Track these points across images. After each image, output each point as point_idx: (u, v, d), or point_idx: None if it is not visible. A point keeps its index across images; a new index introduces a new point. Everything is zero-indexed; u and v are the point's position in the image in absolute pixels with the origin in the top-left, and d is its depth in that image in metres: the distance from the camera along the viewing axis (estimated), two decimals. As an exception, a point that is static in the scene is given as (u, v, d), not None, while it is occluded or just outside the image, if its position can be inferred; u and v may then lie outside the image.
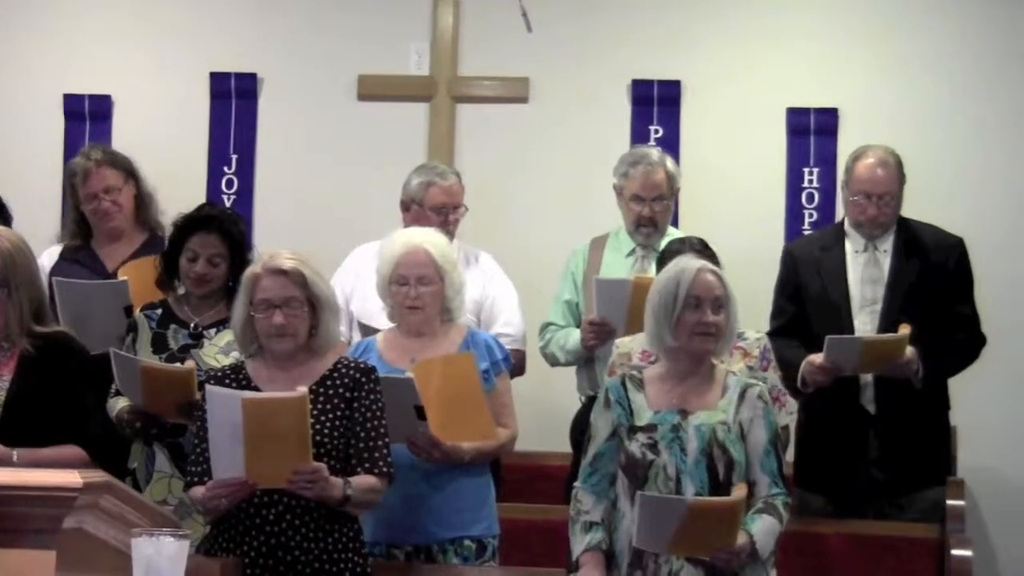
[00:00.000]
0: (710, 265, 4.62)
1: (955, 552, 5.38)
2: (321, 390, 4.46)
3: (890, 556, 5.61)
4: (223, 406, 4.22)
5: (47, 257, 5.99)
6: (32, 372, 4.35)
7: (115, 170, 5.95)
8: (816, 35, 7.16)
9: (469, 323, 5.45)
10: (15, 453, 4.21)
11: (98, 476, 3.49)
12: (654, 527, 4.26)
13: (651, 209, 5.98)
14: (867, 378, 5.75)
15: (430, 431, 4.82)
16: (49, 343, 4.40)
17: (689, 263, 4.61)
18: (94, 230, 6.00)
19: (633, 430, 4.51)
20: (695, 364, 4.56)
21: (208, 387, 4.37)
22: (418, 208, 6.00)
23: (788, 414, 5.21)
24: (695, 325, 4.49)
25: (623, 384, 4.60)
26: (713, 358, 4.60)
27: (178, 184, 6.55)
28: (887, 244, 5.87)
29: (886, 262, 5.85)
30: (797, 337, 5.74)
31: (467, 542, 4.97)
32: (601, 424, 4.58)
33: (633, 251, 6.02)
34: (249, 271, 4.59)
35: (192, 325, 5.22)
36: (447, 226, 5.87)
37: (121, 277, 5.60)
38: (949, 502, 5.70)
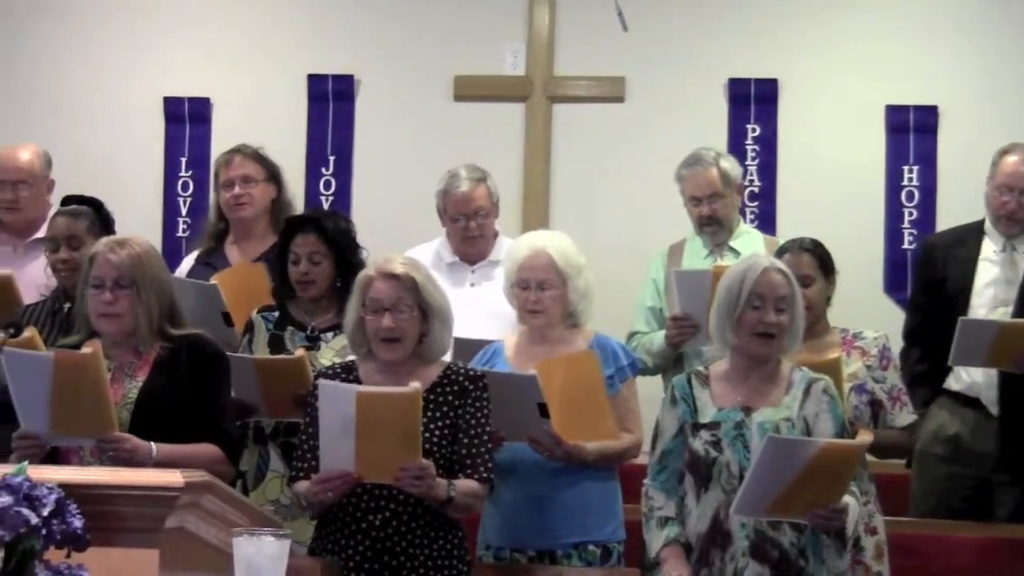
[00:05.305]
0: (779, 263, 4.57)
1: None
2: (431, 397, 4.44)
3: (1015, 559, 5.51)
4: (336, 399, 4.21)
5: (186, 263, 6.04)
6: (165, 373, 4.41)
7: (258, 165, 5.91)
8: (916, 31, 7.10)
9: None
10: (154, 447, 4.26)
11: (200, 475, 3.51)
12: (769, 477, 4.17)
13: (709, 207, 5.91)
14: (992, 376, 5.68)
15: (553, 429, 4.79)
16: (184, 344, 4.46)
17: (757, 260, 4.57)
18: (230, 225, 5.97)
19: (697, 427, 4.49)
20: (759, 361, 4.52)
21: (321, 380, 4.36)
22: (445, 216, 5.92)
23: (910, 413, 5.16)
24: (755, 325, 4.45)
25: (689, 381, 4.58)
26: (781, 357, 4.55)
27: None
28: None
29: (1023, 263, 5.78)
30: (934, 338, 5.65)
31: (591, 547, 4.91)
32: (668, 421, 4.56)
33: (711, 252, 5.98)
34: (363, 273, 4.58)
35: (309, 328, 5.22)
36: (470, 233, 5.81)
37: (212, 282, 5.59)
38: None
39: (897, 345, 5.58)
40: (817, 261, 5.18)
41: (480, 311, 5.39)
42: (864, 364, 5.11)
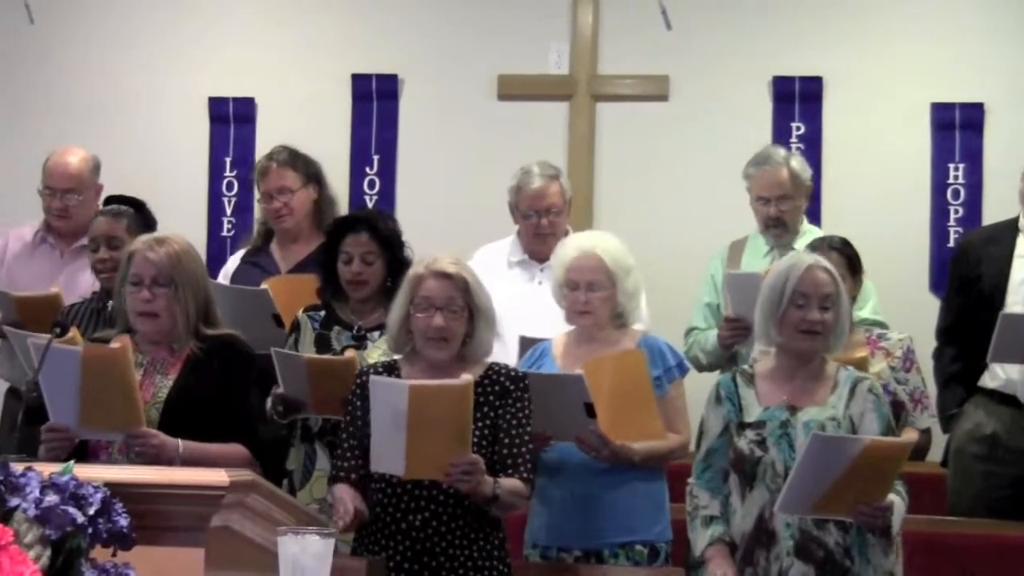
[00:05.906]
0: (823, 262, 4.56)
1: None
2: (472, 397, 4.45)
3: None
4: (388, 395, 4.22)
5: (232, 262, 6.05)
6: (197, 372, 4.43)
7: (294, 172, 5.88)
8: (961, 29, 7.06)
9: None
10: (180, 444, 4.28)
11: (244, 474, 3.52)
12: (814, 474, 4.16)
13: (777, 209, 5.88)
14: None
15: (600, 429, 4.78)
16: (217, 344, 4.47)
17: (801, 259, 4.57)
18: (275, 231, 5.98)
19: (742, 426, 4.49)
20: (804, 360, 4.51)
21: (372, 377, 4.35)
22: (518, 212, 5.91)
23: (930, 416, 5.13)
24: (799, 323, 4.45)
25: (734, 380, 4.58)
26: (826, 355, 4.53)
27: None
28: None
29: None
30: (968, 336, 5.60)
31: (639, 547, 4.90)
32: (713, 420, 4.56)
33: (771, 250, 5.95)
34: (412, 272, 4.56)
35: (355, 327, 5.20)
36: (541, 230, 5.80)
37: (263, 286, 5.59)
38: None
39: (924, 345, 5.57)
40: (845, 260, 5.17)
41: (548, 309, 5.36)
42: (888, 365, 5.10)
